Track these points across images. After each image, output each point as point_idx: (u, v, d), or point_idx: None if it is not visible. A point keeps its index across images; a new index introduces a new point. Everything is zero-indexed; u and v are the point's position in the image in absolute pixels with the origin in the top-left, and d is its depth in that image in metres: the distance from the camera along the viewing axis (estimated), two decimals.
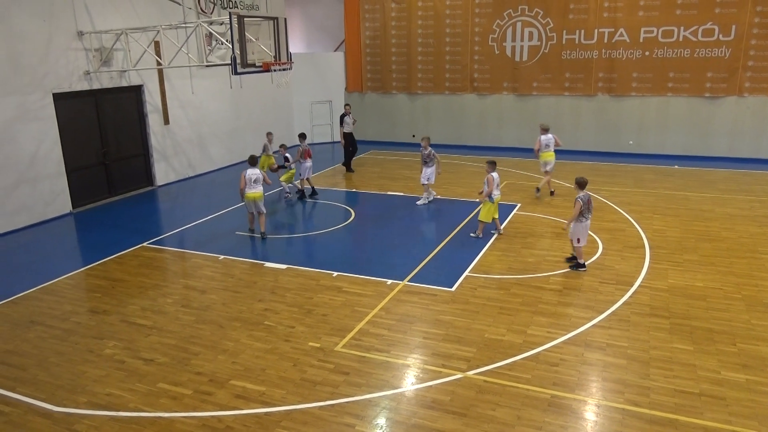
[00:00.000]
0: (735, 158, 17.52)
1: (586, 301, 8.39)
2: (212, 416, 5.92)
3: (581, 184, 9.41)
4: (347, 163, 17.40)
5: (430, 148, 13.03)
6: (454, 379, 6.50)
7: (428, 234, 11.74)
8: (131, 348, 7.34)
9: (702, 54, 17.47)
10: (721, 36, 17.16)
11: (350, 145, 17.29)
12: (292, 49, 20.96)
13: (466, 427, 5.67)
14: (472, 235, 11.12)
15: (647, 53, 18.00)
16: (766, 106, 17.22)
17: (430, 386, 6.40)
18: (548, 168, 13.82)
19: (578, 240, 9.42)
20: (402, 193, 14.59)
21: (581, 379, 6.55)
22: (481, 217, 11.04)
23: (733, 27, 16.95)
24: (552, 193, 14.06)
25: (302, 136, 14.33)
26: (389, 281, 9.11)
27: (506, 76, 19.83)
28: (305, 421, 5.82)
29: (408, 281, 9.15)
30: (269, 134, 15.10)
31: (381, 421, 5.88)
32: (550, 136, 13.84)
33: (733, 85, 17.39)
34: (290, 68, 12.82)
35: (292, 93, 20.95)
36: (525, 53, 19.43)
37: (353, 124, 17.32)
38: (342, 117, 17.27)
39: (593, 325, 7.67)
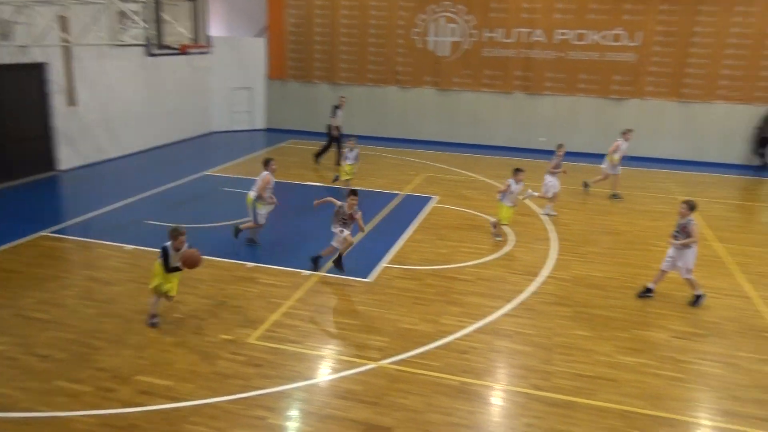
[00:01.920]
0: (635, 157, 18.64)
1: (496, 291, 8.71)
2: (114, 414, 5.67)
3: (693, 207, 8.32)
4: (320, 154, 16.92)
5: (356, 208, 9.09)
6: (368, 369, 6.57)
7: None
8: (25, 344, 6.87)
9: (610, 58, 18.49)
10: (628, 41, 18.22)
11: (336, 138, 16.87)
12: (211, 33, 20.36)
13: (377, 416, 5.76)
14: (497, 239, 10.91)
15: (561, 54, 18.83)
16: (663, 109, 18.48)
17: (344, 376, 6.43)
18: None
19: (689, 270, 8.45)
20: (321, 184, 14.51)
21: (489, 366, 6.80)
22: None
23: (639, 34, 18.04)
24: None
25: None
26: (305, 272, 9.06)
27: (428, 70, 20.13)
28: (214, 415, 5.69)
29: (325, 272, 9.13)
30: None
31: (293, 412, 5.86)
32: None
33: (637, 89, 18.54)
34: (209, 52, 12.37)
35: (210, 78, 20.26)
36: (447, 48, 19.79)
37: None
38: (335, 108, 16.81)
39: (502, 314, 7.98)
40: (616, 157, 13.99)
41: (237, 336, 7.14)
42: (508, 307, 8.18)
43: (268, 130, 21.72)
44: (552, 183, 12.44)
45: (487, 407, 6.08)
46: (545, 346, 7.21)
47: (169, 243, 7.17)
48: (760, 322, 8.07)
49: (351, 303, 8.18)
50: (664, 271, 8.60)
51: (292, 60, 21.37)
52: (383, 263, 9.56)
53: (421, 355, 6.88)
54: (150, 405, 5.81)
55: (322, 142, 16.96)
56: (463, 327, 7.55)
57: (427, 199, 13.29)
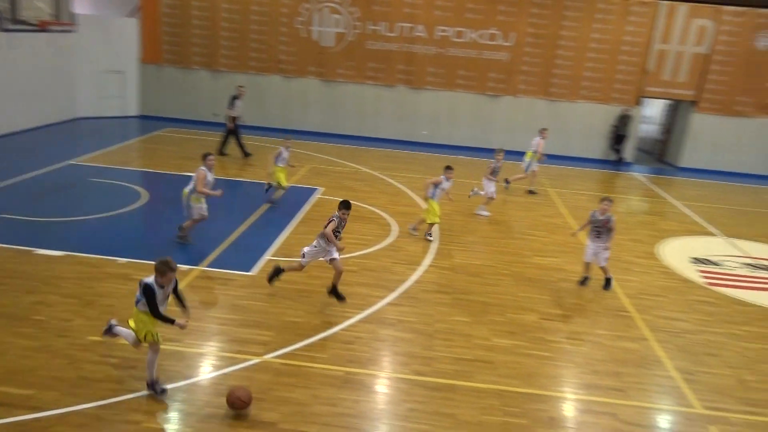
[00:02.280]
0: (510, 151, 19.78)
1: (380, 281, 8.85)
2: None
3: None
4: (222, 147, 16.04)
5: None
6: (251, 364, 6.41)
7: (228, 217, 11.34)
8: None
9: (486, 56, 19.42)
10: (502, 41, 19.23)
11: (235, 130, 16.01)
12: (76, 10, 18.71)
13: (262, 412, 5.63)
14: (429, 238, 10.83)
15: (442, 51, 19.46)
16: (534, 106, 19.76)
17: (226, 373, 6.23)
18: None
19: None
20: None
21: (374, 355, 6.91)
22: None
23: (513, 35, 19.10)
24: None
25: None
26: (183, 267, 8.64)
27: (312, 60, 19.93)
28: (82, 423, 5.27)
29: (205, 266, 8.77)
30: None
31: (171, 414, 5.57)
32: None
33: (510, 86, 19.65)
34: (73, 31, 11.34)
35: (75, 59, 18.59)
36: (331, 39, 19.71)
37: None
38: (233, 99, 15.89)
39: (386, 303, 8.13)
40: (536, 154, 14.84)
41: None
42: (392, 297, 8.35)
43: (143, 117, 20.40)
44: (489, 187, 12.70)
45: (371, 395, 6.17)
46: (427, 332, 7.45)
47: (151, 279, 5.49)
48: (616, 302, 8.90)
49: (233, 298, 7.93)
50: (588, 262, 9.19)
51: (167, 44, 20.18)
52: (267, 256, 9.36)
53: (307, 348, 6.84)
54: (7, 417, 5.25)
55: (204, 131, 16.25)
56: (348, 318, 7.60)
57: (312, 191, 13.20)
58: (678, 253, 11.14)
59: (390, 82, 19.93)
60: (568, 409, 6.28)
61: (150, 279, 5.50)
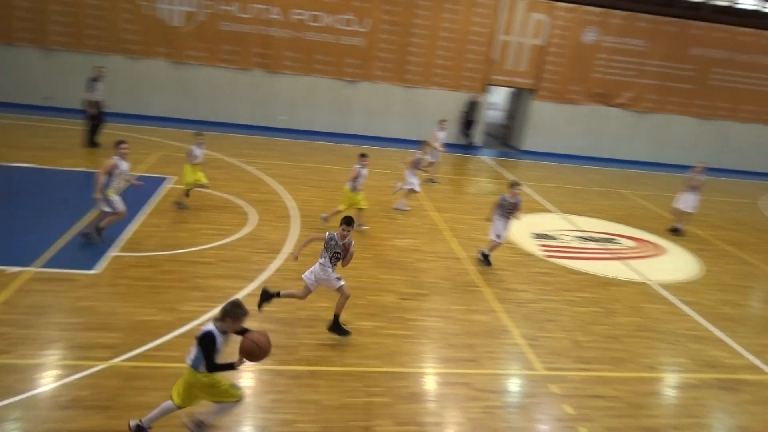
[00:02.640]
0: (369, 136, 20.18)
1: (239, 271, 8.60)
2: None
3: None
4: (92, 138, 14.37)
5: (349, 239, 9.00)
6: (97, 371, 5.92)
7: (65, 212, 10.31)
8: None
9: (343, 41, 19.48)
10: (358, 27, 19.39)
11: (96, 116, 14.27)
12: None
13: (110, 420, 5.24)
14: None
15: (298, 34, 19.17)
16: (390, 92, 20.26)
17: (67, 383, 5.70)
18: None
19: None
20: (33, 165, 12.47)
21: (234, 348, 6.65)
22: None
23: (368, 21, 19.33)
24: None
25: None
26: (12, 269, 7.72)
27: (160, 40, 18.65)
28: None
29: (39, 267, 7.91)
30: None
31: None
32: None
33: (367, 72, 19.94)
34: None
35: None
36: (181, 18, 18.57)
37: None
38: (92, 81, 14.16)
39: (246, 294, 7.92)
40: (437, 145, 15.20)
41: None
42: (252, 287, 8.16)
43: None
44: (411, 179, 12.55)
45: None
46: (289, 321, 7.38)
47: (214, 326, 4.70)
48: (468, 279, 9.47)
49: (74, 300, 7.25)
50: (494, 240, 9.87)
51: None
52: (112, 252, 8.67)
53: (160, 347, 6.46)
54: None
55: (34, 117, 14.56)
56: (205, 312, 7.28)
57: (162, 180, 12.43)
58: (521, 229, 12.09)
59: (246, 65, 19.29)
60: (428, 383, 6.59)
61: (211, 326, 4.69)
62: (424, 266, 9.75)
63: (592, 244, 12.07)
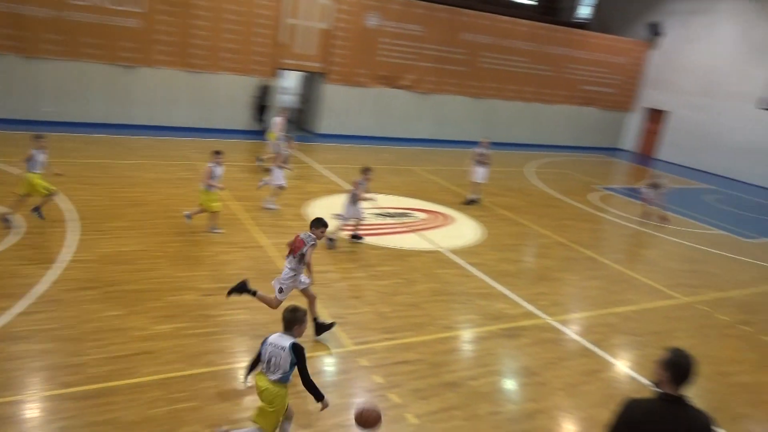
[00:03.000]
0: (155, 126, 18.72)
1: (4, 288, 7.38)
2: None
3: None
4: None
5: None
6: None
7: None
8: None
9: (115, 22, 17.63)
10: (131, 6, 17.69)
11: None
12: None
13: None
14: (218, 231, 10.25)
15: (59, 14, 16.87)
16: (174, 78, 18.97)
17: None
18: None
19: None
20: None
21: (7, 378, 5.75)
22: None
23: (144, 1, 17.74)
24: None
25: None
26: None
27: None
28: None
29: None
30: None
31: None
32: None
33: (147, 56, 18.37)
34: None
35: None
36: None
37: None
38: None
39: (17, 314, 6.85)
40: (274, 134, 15.01)
41: None
42: (23, 305, 7.06)
43: None
44: (277, 176, 11.99)
45: (13, 426, 5.13)
46: (73, 337, 6.55)
47: (292, 339, 4.68)
48: (272, 266, 9.31)
49: None
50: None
51: None
52: None
53: None
54: None
55: None
56: None
57: None
58: (322, 211, 12.24)
59: None
60: (239, 379, 6.33)
61: (290, 340, 4.65)
62: (226, 258, 9.36)
63: (389, 220, 12.71)
